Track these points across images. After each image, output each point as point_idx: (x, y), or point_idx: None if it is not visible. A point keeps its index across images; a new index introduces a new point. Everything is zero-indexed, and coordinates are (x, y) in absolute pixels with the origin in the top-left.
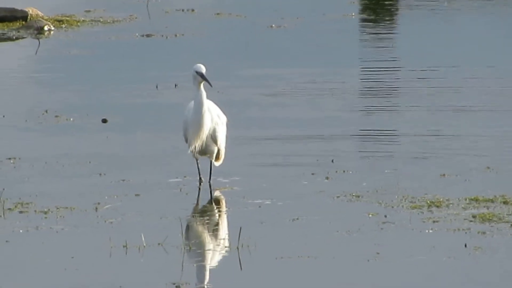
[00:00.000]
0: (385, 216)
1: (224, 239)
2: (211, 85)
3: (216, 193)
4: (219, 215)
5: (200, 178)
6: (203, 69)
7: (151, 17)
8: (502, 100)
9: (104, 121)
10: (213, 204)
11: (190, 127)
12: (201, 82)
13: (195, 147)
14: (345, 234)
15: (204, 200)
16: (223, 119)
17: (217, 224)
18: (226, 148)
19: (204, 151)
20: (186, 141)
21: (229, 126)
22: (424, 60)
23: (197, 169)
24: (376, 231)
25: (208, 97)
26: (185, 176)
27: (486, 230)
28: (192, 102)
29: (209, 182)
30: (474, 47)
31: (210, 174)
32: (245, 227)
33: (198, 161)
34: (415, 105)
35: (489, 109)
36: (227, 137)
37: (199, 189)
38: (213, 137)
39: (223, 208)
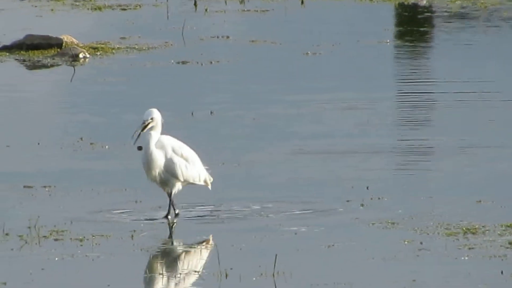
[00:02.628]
0: (421, 243)
1: (260, 266)
2: (133, 143)
3: (251, 221)
4: (255, 243)
5: (175, 210)
6: (148, 116)
7: (186, 44)
8: None
9: (140, 148)
10: (249, 231)
11: (142, 164)
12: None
13: (151, 179)
14: (381, 261)
15: (239, 227)
16: (189, 155)
17: (253, 251)
18: (211, 178)
19: (165, 184)
20: None
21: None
22: (460, 84)
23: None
24: (411, 258)
25: (243, 124)
26: (221, 204)
27: None
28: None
29: (166, 216)
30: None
31: (169, 208)
32: (281, 254)
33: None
34: (452, 128)
35: None
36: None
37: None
38: (170, 172)
39: (259, 235)
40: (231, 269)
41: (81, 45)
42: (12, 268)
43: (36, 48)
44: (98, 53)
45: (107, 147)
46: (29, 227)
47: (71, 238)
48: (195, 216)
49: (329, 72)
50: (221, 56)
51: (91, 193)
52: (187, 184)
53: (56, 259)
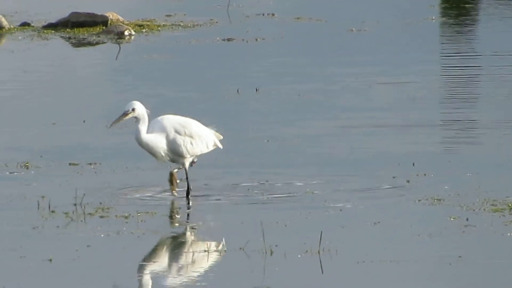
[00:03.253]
0: (467, 220)
1: (305, 243)
2: (108, 127)
3: (296, 198)
4: (300, 219)
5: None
6: (129, 107)
7: (232, 21)
8: None
9: None
10: (294, 208)
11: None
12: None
13: (161, 162)
14: (427, 237)
15: (284, 204)
16: (193, 130)
17: (298, 228)
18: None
19: (175, 162)
20: None
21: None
22: (507, 58)
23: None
24: (457, 234)
25: (288, 100)
26: (267, 181)
27: None
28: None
29: (188, 191)
30: None
31: (188, 183)
32: (326, 231)
33: (176, 170)
34: (499, 103)
35: None
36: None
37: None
38: (176, 153)
39: (304, 212)
40: (276, 246)
41: (126, 22)
42: (58, 245)
43: (81, 26)
44: (144, 30)
45: None
46: (75, 205)
47: (116, 215)
48: (241, 194)
49: (374, 48)
50: (266, 33)
51: (136, 170)
52: (197, 156)
53: (102, 236)
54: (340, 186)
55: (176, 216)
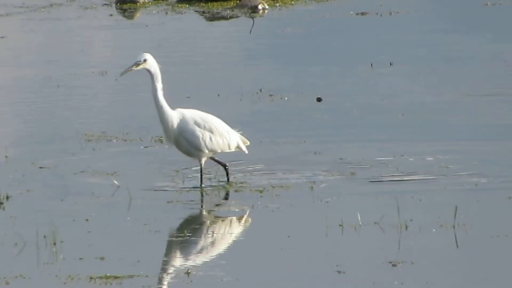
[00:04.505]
0: None
1: (439, 217)
2: (119, 75)
3: (430, 173)
4: (434, 194)
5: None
6: (141, 57)
7: None
8: None
9: (319, 99)
10: (428, 182)
11: (160, 122)
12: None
13: (168, 140)
14: None
15: (418, 179)
16: (214, 126)
17: (433, 202)
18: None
19: (190, 155)
20: None
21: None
22: None
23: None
24: None
25: (423, 74)
26: (402, 155)
27: None
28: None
29: (200, 185)
30: None
31: (201, 177)
32: (461, 206)
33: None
34: None
35: None
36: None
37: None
38: (193, 145)
39: (438, 187)
40: (411, 220)
41: None
42: (193, 222)
43: (216, 0)
44: (277, 4)
45: (286, 98)
46: (209, 179)
47: (250, 190)
48: (376, 168)
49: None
50: (400, 7)
51: (271, 145)
52: (215, 153)
53: (236, 210)
54: (474, 161)
55: (310, 190)
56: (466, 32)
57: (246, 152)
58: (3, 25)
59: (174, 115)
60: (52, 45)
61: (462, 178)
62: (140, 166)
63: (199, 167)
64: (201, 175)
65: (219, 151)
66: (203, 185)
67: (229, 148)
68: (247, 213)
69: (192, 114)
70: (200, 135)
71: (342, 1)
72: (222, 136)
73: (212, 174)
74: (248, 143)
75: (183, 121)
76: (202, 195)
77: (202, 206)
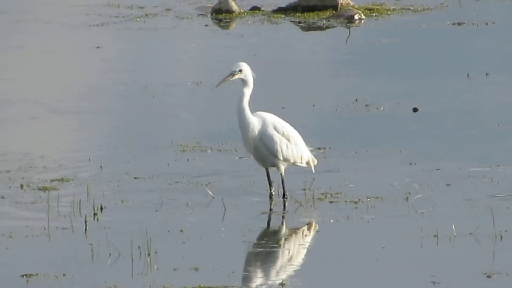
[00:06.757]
0: None
1: None
2: (215, 86)
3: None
4: None
5: (270, 189)
6: (237, 67)
7: (462, 5)
8: None
9: (415, 110)
10: None
11: (239, 127)
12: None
13: (248, 148)
14: None
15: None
16: (292, 134)
17: None
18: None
19: (263, 161)
20: None
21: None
22: None
23: (267, 180)
24: None
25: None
26: (498, 166)
27: None
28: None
29: (284, 197)
30: None
31: (283, 188)
32: None
33: (267, 172)
34: None
35: None
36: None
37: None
38: (269, 150)
39: None
40: (506, 231)
41: (356, 6)
42: (287, 232)
43: (311, 10)
44: (373, 14)
45: (382, 108)
46: (304, 190)
47: (345, 201)
48: (471, 179)
49: None
50: (496, 17)
51: (365, 155)
52: (288, 164)
53: (331, 221)
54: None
55: (405, 201)
56: None
57: (313, 171)
58: (98, 35)
59: (256, 121)
60: (147, 55)
61: None
62: (235, 177)
63: (280, 178)
64: (283, 185)
65: (292, 161)
66: (287, 196)
67: (301, 161)
68: (342, 224)
69: (271, 119)
70: (278, 141)
71: (438, 11)
72: (297, 146)
73: (307, 185)
74: (316, 162)
75: (263, 126)
76: (297, 206)
77: (296, 217)
